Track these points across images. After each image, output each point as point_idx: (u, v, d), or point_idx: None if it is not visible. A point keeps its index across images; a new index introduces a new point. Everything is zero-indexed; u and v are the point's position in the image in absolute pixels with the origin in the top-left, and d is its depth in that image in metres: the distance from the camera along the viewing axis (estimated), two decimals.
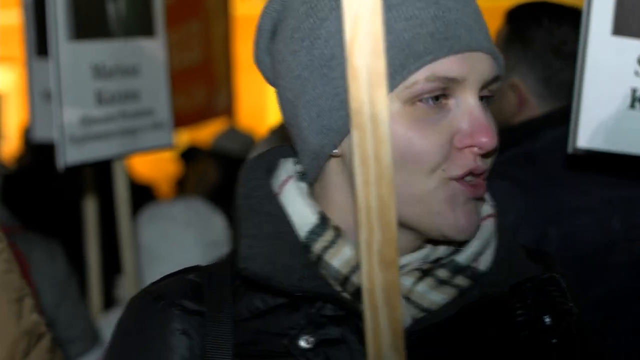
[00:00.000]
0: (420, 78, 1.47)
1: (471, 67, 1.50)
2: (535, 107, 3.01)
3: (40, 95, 4.23)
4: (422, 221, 1.53)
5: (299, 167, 1.67)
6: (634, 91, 2.41)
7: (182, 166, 7.98)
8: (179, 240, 3.94)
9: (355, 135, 1.27)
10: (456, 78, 1.48)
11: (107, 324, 3.80)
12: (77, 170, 3.81)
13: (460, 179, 1.51)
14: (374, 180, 1.28)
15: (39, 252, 3.48)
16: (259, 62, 1.69)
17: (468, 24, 1.51)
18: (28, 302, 2.00)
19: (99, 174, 4.27)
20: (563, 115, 2.61)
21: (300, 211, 1.58)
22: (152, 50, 3.67)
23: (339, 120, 1.51)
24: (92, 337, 3.70)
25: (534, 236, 2.76)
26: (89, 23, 3.35)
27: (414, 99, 1.48)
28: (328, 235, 1.55)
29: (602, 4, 2.38)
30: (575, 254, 2.79)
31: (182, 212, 4.04)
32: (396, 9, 1.48)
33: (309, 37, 1.54)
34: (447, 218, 1.51)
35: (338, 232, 1.56)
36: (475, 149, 1.50)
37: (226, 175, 6.66)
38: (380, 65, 1.26)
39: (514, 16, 3.11)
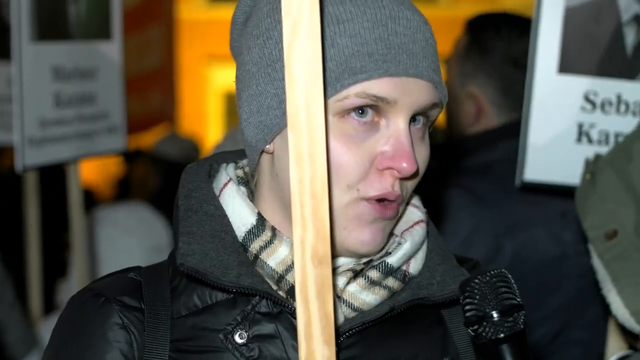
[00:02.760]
0: (351, 93, 1.56)
1: (405, 92, 1.57)
2: (493, 117, 3.11)
3: None
4: None
5: (239, 172, 1.78)
6: (580, 126, 2.64)
7: (126, 168, 8.03)
8: (121, 245, 4.04)
9: (291, 136, 1.38)
10: (386, 98, 1.56)
11: (48, 329, 3.85)
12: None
13: (372, 200, 1.59)
14: (308, 179, 1.39)
15: None
16: (233, 50, 1.80)
17: (412, 51, 1.58)
18: None
19: (41, 177, 4.31)
20: (520, 126, 2.73)
21: (239, 212, 1.68)
22: (109, 54, 3.75)
23: (274, 119, 1.61)
24: (28, 342, 3.75)
25: (488, 246, 2.87)
26: (50, 24, 3.41)
27: (343, 113, 1.57)
28: (265, 235, 1.65)
29: (547, 44, 2.61)
30: (530, 266, 2.89)
31: (125, 217, 4.14)
32: (344, 25, 1.58)
33: (263, 35, 1.64)
34: (351, 233, 1.60)
35: (274, 233, 1.66)
36: (395, 172, 1.58)
37: (166, 179, 6.74)
38: (317, 69, 1.37)
39: (474, 26, 3.19)
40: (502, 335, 1.52)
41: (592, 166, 2.40)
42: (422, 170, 1.64)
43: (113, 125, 3.79)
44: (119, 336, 1.65)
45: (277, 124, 1.61)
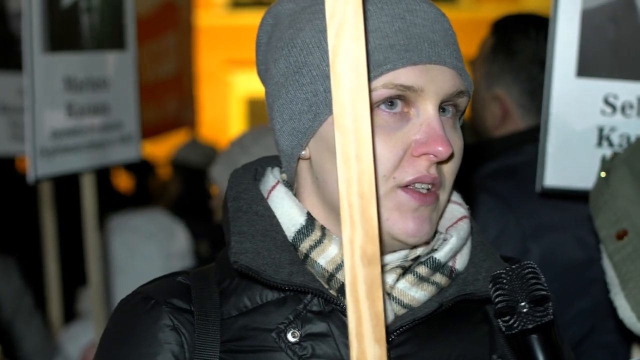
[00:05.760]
0: (379, 85, 1.63)
1: (430, 79, 1.65)
2: (519, 119, 3.14)
3: None
4: None
5: (284, 176, 1.84)
6: (600, 129, 2.65)
7: (134, 180, 8.07)
8: (141, 251, 4.07)
9: (338, 136, 1.41)
10: (413, 87, 1.64)
11: (69, 337, 3.89)
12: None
13: (408, 186, 1.66)
14: (355, 179, 1.42)
15: None
16: (259, 73, 1.86)
17: (432, 39, 1.67)
18: None
19: (57, 185, 4.34)
20: None
21: (289, 212, 1.74)
22: (123, 64, 3.81)
23: (306, 122, 1.69)
24: (47, 352, 3.77)
25: (515, 250, 2.90)
26: (63, 35, 3.46)
27: (373, 105, 1.64)
28: (315, 235, 1.72)
29: (565, 47, 2.64)
30: (556, 270, 2.93)
31: (145, 223, 4.18)
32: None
33: (287, 45, 1.72)
34: (395, 223, 1.66)
35: (324, 232, 1.72)
36: (431, 157, 1.65)
37: (187, 185, 6.80)
38: (362, 70, 1.41)
39: (500, 27, 3.23)
40: (532, 325, 1.57)
41: (608, 164, 2.41)
42: (458, 157, 1.71)
43: (127, 135, 3.84)
44: (169, 337, 1.70)
45: (310, 127, 1.68)
